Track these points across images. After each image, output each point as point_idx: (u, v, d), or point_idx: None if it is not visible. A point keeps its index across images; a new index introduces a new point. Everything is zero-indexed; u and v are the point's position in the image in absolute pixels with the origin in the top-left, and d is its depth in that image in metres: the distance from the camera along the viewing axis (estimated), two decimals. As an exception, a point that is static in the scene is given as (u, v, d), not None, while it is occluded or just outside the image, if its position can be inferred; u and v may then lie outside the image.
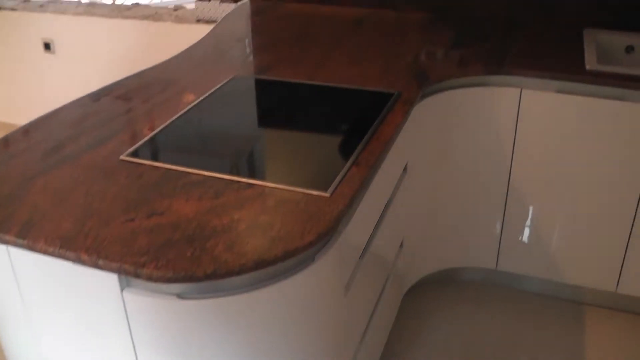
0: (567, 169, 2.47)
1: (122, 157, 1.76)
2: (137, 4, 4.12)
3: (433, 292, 2.82)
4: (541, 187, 2.54)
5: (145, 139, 1.87)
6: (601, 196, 2.48)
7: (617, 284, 2.62)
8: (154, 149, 1.82)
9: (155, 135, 1.89)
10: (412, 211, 2.47)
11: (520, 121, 2.45)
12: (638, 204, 2.45)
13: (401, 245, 2.40)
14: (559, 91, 2.38)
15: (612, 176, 2.44)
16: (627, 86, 2.32)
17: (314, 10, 3.13)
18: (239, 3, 3.40)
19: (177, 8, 3.98)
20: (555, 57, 2.51)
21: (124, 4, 4.21)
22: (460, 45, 2.64)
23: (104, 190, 1.59)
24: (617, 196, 2.46)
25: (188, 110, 2.05)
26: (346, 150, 1.79)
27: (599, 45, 2.70)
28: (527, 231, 2.63)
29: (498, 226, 2.65)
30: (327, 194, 1.56)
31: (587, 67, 2.40)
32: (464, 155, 2.55)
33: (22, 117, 4.44)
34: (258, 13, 3.13)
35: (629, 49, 2.74)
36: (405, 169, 2.28)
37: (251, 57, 2.55)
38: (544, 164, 2.49)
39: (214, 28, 2.94)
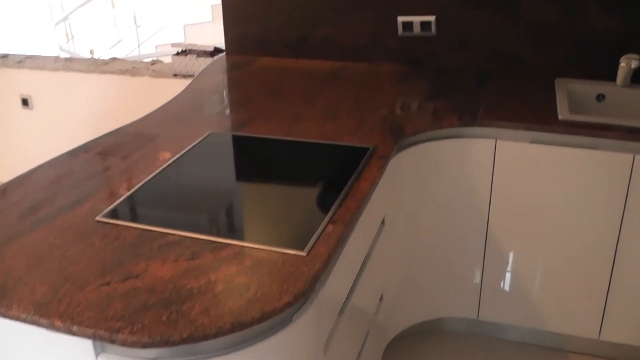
0: (545, 217, 2.49)
1: (98, 218, 1.76)
2: (114, 58, 4.14)
3: (415, 344, 2.80)
4: (519, 236, 2.55)
5: (122, 198, 1.86)
6: (580, 243, 2.50)
7: (600, 331, 2.62)
8: (130, 209, 1.81)
9: (131, 194, 1.89)
10: (391, 264, 2.47)
11: (496, 171, 2.48)
12: (616, 250, 2.47)
13: (381, 298, 2.40)
14: (533, 141, 2.42)
15: (589, 223, 2.46)
16: (599, 135, 2.36)
17: (289, 64, 3.16)
18: (215, 57, 3.43)
19: (154, 62, 4.00)
20: (528, 108, 2.55)
21: (102, 58, 4.23)
22: (434, 97, 2.68)
23: (79, 253, 1.58)
24: (595, 242, 2.48)
25: (165, 169, 2.05)
26: (323, 207, 1.79)
27: (571, 94, 2.75)
28: (507, 280, 2.64)
29: (478, 275, 2.66)
30: (303, 253, 1.56)
31: (560, 117, 2.44)
32: (441, 206, 2.56)
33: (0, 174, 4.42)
34: (234, 68, 3.16)
35: (600, 97, 2.79)
36: (382, 222, 2.29)
37: (228, 113, 2.56)
38: (521, 212, 2.51)
39: (191, 83, 2.96)
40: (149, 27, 8.69)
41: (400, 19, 3.01)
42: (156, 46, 8.45)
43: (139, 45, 8.62)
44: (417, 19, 2.99)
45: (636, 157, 2.34)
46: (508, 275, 2.63)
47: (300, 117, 2.48)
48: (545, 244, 2.53)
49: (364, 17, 3.08)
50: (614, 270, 2.50)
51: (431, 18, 2.98)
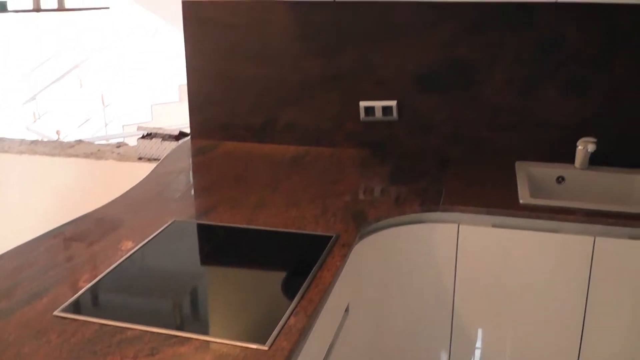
0: (510, 299, 2.50)
1: (56, 312, 1.73)
2: (80, 141, 4.14)
3: None
4: (485, 317, 2.55)
5: (82, 291, 1.83)
6: (546, 320, 2.50)
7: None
8: (90, 302, 1.79)
9: (92, 286, 1.86)
10: (356, 351, 2.44)
11: (460, 255, 2.49)
12: (583, 328, 2.47)
13: (347, 386, 2.37)
14: (495, 225, 2.44)
15: (554, 304, 2.47)
16: (560, 219, 2.40)
17: (253, 148, 3.19)
18: (180, 141, 3.44)
19: (119, 145, 4.01)
20: (489, 192, 2.59)
21: (68, 140, 4.22)
22: (396, 182, 2.71)
23: (35, 352, 1.55)
24: (561, 320, 2.49)
25: (127, 258, 2.03)
26: (286, 297, 1.78)
27: (531, 177, 2.80)
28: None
29: (444, 358, 2.64)
30: (265, 347, 1.54)
31: (521, 201, 2.48)
32: (406, 291, 2.56)
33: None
34: (199, 152, 3.18)
35: (560, 180, 2.85)
36: (347, 310, 2.27)
37: (191, 199, 2.57)
38: (486, 295, 2.51)
39: (156, 168, 2.96)
40: (116, 106, 8.75)
41: (362, 103, 3.07)
42: (123, 126, 8.50)
43: (106, 125, 8.65)
44: (378, 104, 3.05)
45: (597, 239, 2.37)
46: (475, 356, 2.62)
47: (264, 204, 2.49)
48: (511, 324, 2.54)
49: (327, 102, 3.13)
50: (581, 348, 2.50)
51: (392, 103, 3.04)
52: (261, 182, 2.74)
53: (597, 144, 2.79)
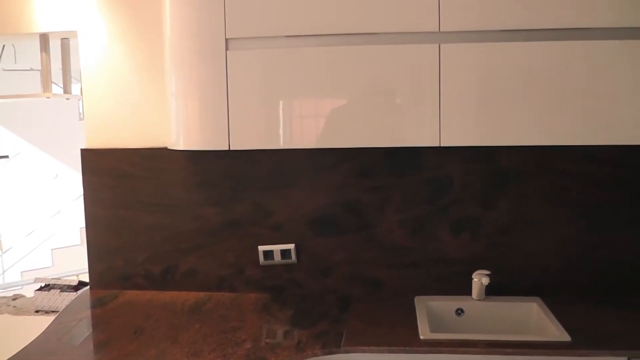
0: None
1: None
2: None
3: None
4: None
5: None
6: None
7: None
8: None
9: None
10: None
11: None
12: None
13: None
14: (398, 363, 2.47)
15: None
16: (461, 352, 2.44)
17: (154, 297, 3.13)
18: (79, 292, 3.36)
19: (16, 297, 3.87)
20: (390, 329, 2.61)
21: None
22: (297, 326, 2.70)
23: None
24: None
25: None
26: None
27: (430, 312, 2.83)
28: None
29: None
30: None
31: (421, 336, 2.51)
32: None
33: None
34: (98, 304, 3.09)
35: (459, 312, 2.90)
36: None
37: (88, 358, 2.48)
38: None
39: (53, 322, 2.85)
40: (15, 251, 8.49)
41: (261, 248, 3.09)
42: (22, 272, 8.22)
43: (3, 272, 8.36)
44: (277, 248, 3.08)
45: (498, 370, 2.42)
46: None
47: (163, 358, 2.42)
48: None
49: (226, 248, 3.13)
50: None
51: (290, 246, 3.07)
52: (161, 333, 2.68)
53: (492, 275, 2.89)
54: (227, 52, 2.63)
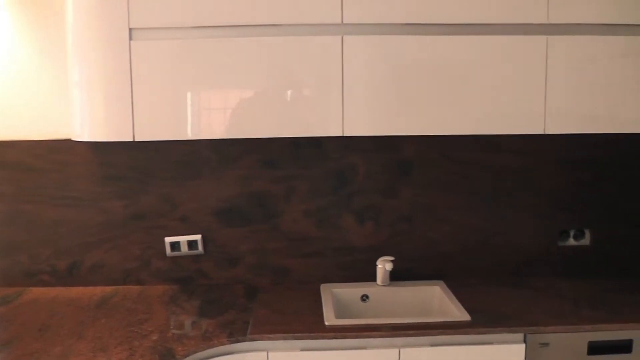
0: None
1: None
2: None
3: None
4: None
5: None
6: None
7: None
8: None
9: None
10: None
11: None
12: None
13: None
14: (304, 349, 2.49)
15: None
16: (365, 336, 2.50)
17: (60, 293, 3.06)
18: (-19, 292, 3.27)
19: None
20: (297, 317, 2.65)
21: None
22: (205, 316, 2.71)
23: None
24: None
25: None
26: None
27: (336, 299, 2.89)
28: None
29: None
30: None
31: (327, 323, 2.57)
32: None
33: None
34: (1, 302, 3.01)
35: (364, 298, 2.97)
36: None
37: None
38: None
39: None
40: None
41: (167, 239, 3.08)
42: None
43: None
44: (183, 239, 3.07)
45: (401, 350, 2.51)
46: None
47: (69, 354, 2.37)
48: None
49: (132, 241, 3.10)
50: None
51: (197, 237, 3.07)
52: (67, 329, 2.63)
53: (396, 262, 2.99)
54: (131, 42, 2.60)
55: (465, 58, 2.66)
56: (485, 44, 2.65)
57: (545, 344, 2.59)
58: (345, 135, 2.66)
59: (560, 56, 2.68)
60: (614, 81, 2.73)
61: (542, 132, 2.74)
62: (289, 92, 2.67)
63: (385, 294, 2.99)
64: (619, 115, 2.75)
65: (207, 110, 2.74)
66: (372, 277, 3.04)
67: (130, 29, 2.60)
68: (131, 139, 2.65)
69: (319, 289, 2.98)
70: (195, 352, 2.39)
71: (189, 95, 2.67)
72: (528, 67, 2.68)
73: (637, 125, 2.78)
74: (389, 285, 3.00)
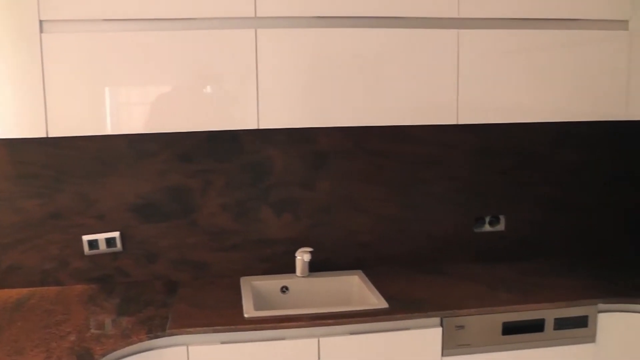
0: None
1: None
2: None
3: None
4: None
5: None
6: None
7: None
8: None
9: None
10: None
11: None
12: None
13: None
14: (224, 342, 2.50)
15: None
16: (284, 327, 2.53)
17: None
18: None
19: None
20: (216, 310, 2.66)
21: None
22: (124, 314, 2.68)
23: None
24: None
25: None
26: None
27: (256, 291, 2.92)
28: None
29: None
30: None
31: (246, 315, 2.58)
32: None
33: None
34: None
35: (284, 289, 3.00)
36: None
37: None
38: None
39: None
40: None
41: (85, 237, 3.03)
42: None
43: None
44: (101, 236, 3.03)
45: (320, 340, 2.55)
46: None
47: (-18, 358, 2.34)
48: None
49: (49, 241, 3.04)
50: None
51: (115, 234, 3.04)
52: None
53: (315, 253, 3.03)
54: (42, 34, 2.52)
55: (379, 51, 2.71)
56: (397, 37, 2.70)
57: (461, 327, 2.66)
58: (260, 128, 2.67)
59: (471, 49, 2.76)
60: (523, 73, 2.83)
61: (455, 123, 2.81)
62: (205, 86, 2.66)
63: (304, 285, 3.02)
64: (528, 106, 2.85)
65: (126, 104, 2.70)
66: (292, 269, 3.07)
67: (40, 21, 2.52)
68: (44, 135, 2.58)
69: (239, 282, 2.99)
70: (113, 350, 2.37)
71: (106, 89, 2.62)
72: (440, 60, 2.75)
73: (545, 115, 2.90)
74: (308, 276, 3.04)
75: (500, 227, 3.35)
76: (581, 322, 2.77)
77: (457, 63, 2.76)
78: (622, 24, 2.90)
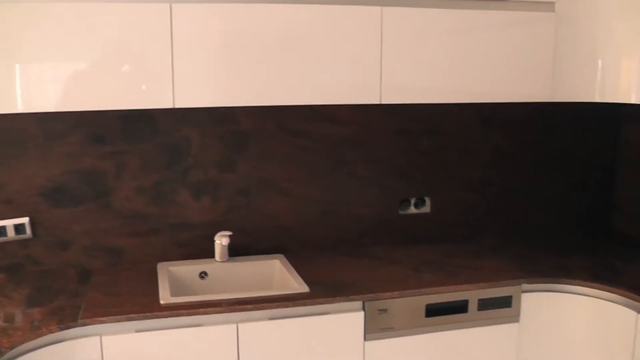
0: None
1: None
2: None
3: None
4: None
5: None
6: None
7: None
8: None
9: None
10: None
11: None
12: None
13: None
14: (139, 330, 2.41)
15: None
16: (202, 312, 2.45)
17: None
18: None
19: None
20: (131, 298, 2.56)
21: None
22: (34, 304, 2.53)
23: None
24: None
25: None
26: None
27: (173, 277, 2.83)
28: None
29: None
30: None
31: (162, 302, 2.49)
32: None
33: None
34: None
35: (203, 275, 2.91)
36: None
37: None
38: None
39: None
40: None
41: (-8, 224, 2.89)
42: None
43: None
44: (9, 223, 2.86)
45: (239, 325, 2.49)
46: None
47: None
48: None
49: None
50: None
51: (24, 220, 2.88)
52: None
53: (235, 237, 2.95)
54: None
55: (300, 27, 2.65)
56: (320, 13, 2.65)
57: (384, 310, 2.64)
58: (176, 107, 2.57)
59: (395, 27, 2.72)
60: (448, 53, 2.82)
61: (378, 102, 2.77)
62: (119, 62, 2.52)
63: (224, 270, 2.95)
64: (453, 86, 2.84)
65: (38, 82, 2.51)
66: (211, 254, 2.99)
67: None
68: (-57, 115, 2.43)
69: (156, 268, 2.89)
70: (22, 343, 2.24)
71: (17, 66, 2.45)
72: (363, 38, 2.71)
73: (471, 96, 2.89)
74: (227, 261, 2.96)
75: (426, 209, 3.33)
76: (505, 302, 2.78)
77: (381, 41, 2.72)
78: (548, 6, 2.92)
